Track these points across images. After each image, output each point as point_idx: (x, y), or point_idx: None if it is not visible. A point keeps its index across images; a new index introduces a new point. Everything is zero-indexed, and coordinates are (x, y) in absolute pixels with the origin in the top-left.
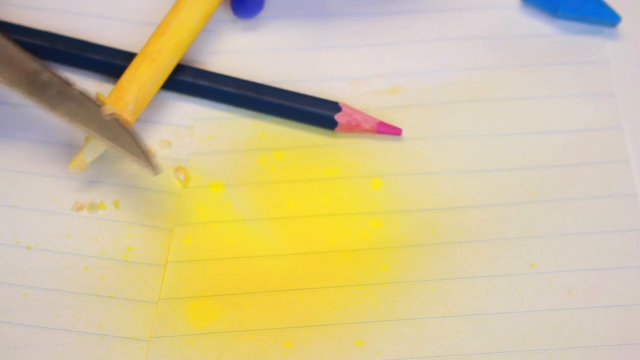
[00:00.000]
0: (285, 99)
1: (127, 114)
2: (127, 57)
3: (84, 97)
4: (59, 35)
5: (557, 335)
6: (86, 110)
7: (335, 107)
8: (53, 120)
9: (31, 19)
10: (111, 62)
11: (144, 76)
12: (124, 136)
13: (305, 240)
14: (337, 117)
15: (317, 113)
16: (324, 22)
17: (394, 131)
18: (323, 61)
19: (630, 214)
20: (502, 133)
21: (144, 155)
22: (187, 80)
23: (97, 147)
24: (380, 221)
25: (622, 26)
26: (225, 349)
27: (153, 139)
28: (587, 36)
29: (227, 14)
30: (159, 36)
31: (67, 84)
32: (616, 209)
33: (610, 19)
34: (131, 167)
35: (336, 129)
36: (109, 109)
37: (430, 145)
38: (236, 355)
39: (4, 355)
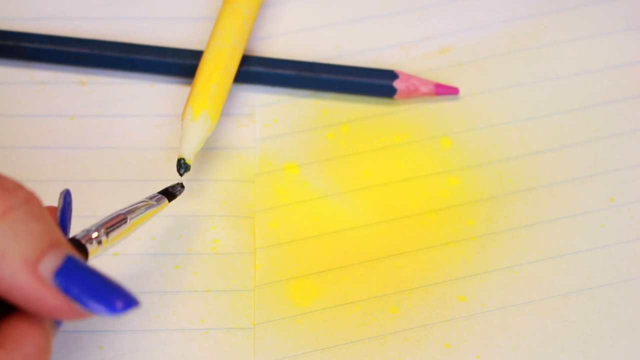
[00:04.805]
0: (343, 73)
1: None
2: (176, 54)
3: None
4: (107, 41)
5: None
6: None
7: (392, 75)
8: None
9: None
10: (163, 61)
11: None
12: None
13: (389, 207)
14: (396, 84)
15: (376, 83)
16: None
17: (451, 91)
18: (369, 32)
19: None
20: (555, 77)
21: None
22: (241, 68)
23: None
24: (457, 178)
25: None
26: (333, 323)
27: (216, 130)
28: None
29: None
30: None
31: None
32: None
33: None
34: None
35: (395, 96)
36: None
37: (488, 99)
38: (345, 328)
39: None
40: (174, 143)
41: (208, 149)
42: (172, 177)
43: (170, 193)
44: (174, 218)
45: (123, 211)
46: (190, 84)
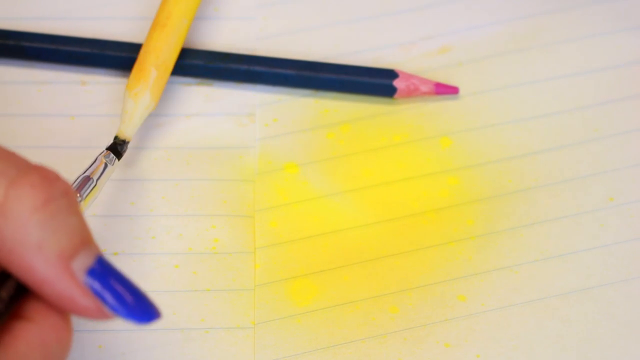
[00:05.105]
0: (343, 72)
1: (153, 82)
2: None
3: None
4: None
5: None
6: None
7: (392, 74)
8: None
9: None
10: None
11: (159, 43)
12: None
13: (388, 207)
14: (396, 83)
15: (376, 82)
16: None
17: (451, 91)
18: (369, 31)
19: None
20: (555, 76)
21: None
22: (242, 67)
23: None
24: (457, 178)
25: None
26: (334, 323)
27: (216, 130)
28: None
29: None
30: (165, 3)
31: None
32: None
33: None
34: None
35: (395, 96)
36: None
37: (488, 99)
38: (345, 327)
39: None
40: (175, 142)
41: (208, 149)
42: (172, 177)
43: (115, 150)
44: (174, 218)
45: (86, 173)
46: (190, 83)
